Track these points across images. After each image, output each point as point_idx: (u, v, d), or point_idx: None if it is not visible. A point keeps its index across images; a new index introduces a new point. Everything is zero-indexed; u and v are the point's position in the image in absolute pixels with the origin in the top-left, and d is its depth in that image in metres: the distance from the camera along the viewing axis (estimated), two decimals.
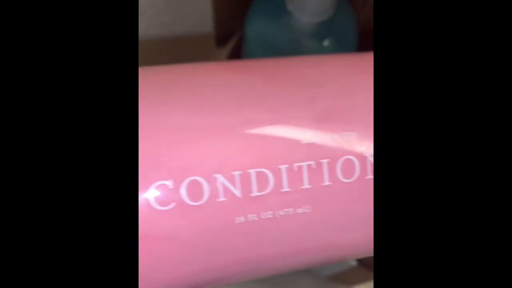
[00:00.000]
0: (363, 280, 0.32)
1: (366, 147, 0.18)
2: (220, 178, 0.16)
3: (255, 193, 0.16)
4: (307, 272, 0.34)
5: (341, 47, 0.28)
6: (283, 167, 0.17)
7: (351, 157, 0.18)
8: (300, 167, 0.17)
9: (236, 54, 0.34)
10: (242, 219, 0.17)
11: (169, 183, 0.16)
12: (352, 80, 0.20)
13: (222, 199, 0.16)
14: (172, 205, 0.16)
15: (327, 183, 0.17)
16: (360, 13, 0.31)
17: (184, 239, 0.16)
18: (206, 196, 0.16)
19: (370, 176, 0.18)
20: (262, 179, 0.17)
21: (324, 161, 0.17)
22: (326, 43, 0.27)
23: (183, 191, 0.16)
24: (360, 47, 0.29)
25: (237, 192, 0.16)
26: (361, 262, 0.29)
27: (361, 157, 0.18)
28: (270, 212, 0.17)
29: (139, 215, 0.15)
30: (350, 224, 0.19)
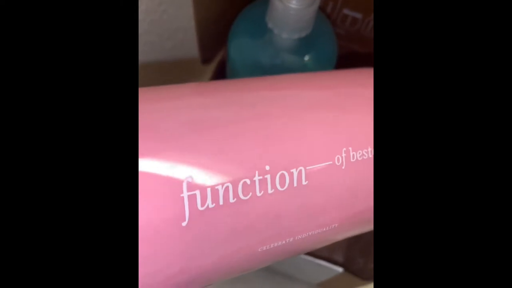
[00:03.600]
0: (350, 287, 0.33)
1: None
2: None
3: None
4: (295, 281, 0.35)
5: (321, 62, 0.29)
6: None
7: None
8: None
9: (221, 70, 0.35)
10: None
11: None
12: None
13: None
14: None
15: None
16: (339, 28, 0.32)
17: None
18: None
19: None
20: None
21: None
22: (306, 58, 0.28)
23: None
24: (340, 62, 0.30)
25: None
26: (348, 269, 0.30)
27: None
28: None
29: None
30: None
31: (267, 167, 0.17)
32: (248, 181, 0.17)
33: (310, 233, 0.19)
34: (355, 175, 0.20)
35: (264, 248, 0.18)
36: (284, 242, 0.19)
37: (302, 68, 0.28)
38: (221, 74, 0.35)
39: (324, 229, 0.20)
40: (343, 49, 0.31)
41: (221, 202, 0.17)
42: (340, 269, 0.30)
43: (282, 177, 0.18)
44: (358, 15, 0.31)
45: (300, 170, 0.18)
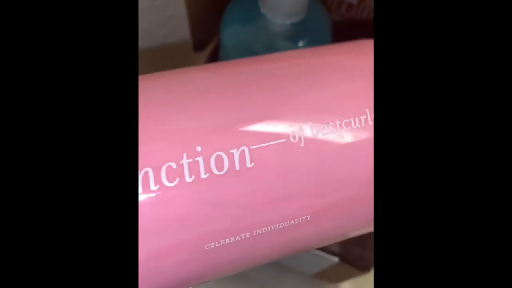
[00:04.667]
0: (346, 277, 0.32)
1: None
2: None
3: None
4: (291, 272, 0.35)
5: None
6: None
7: None
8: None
9: (214, 58, 0.34)
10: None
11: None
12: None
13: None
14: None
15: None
16: (334, 13, 0.32)
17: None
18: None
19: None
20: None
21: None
22: (300, 44, 0.27)
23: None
24: None
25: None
26: (344, 258, 0.30)
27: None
28: None
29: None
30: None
31: (198, 148, 0.15)
32: (173, 165, 0.15)
33: (273, 227, 0.17)
34: (320, 152, 0.17)
35: (212, 245, 0.16)
36: (239, 238, 0.16)
37: None
38: (214, 61, 0.35)
39: (293, 222, 0.17)
40: (338, 35, 0.30)
41: (140, 191, 0.15)
42: (336, 259, 0.29)
43: (219, 158, 0.15)
44: (354, 1, 0.31)
45: (243, 150, 0.16)
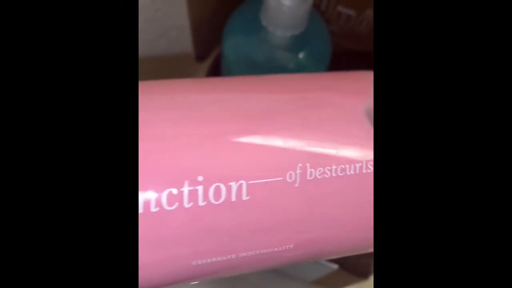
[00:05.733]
0: (345, 283, 0.33)
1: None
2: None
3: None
4: (290, 278, 0.35)
5: (315, 59, 0.29)
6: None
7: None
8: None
9: (216, 69, 0.35)
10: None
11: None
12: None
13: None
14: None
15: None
16: (333, 25, 0.32)
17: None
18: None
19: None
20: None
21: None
22: (301, 55, 0.28)
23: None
24: (334, 60, 0.30)
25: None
26: (343, 265, 0.30)
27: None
28: None
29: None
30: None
31: (200, 178, 0.16)
32: (175, 191, 0.16)
33: (258, 252, 0.18)
34: (313, 194, 0.17)
35: (200, 262, 0.17)
36: (225, 258, 0.17)
37: (296, 65, 0.28)
38: (215, 72, 0.35)
39: (277, 249, 0.18)
40: (337, 46, 0.31)
41: (141, 210, 0.16)
42: (335, 266, 0.30)
43: (217, 189, 0.16)
44: (352, 13, 0.31)
45: (241, 184, 0.16)
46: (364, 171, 0.18)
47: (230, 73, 0.29)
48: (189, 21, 0.30)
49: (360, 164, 0.18)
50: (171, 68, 0.34)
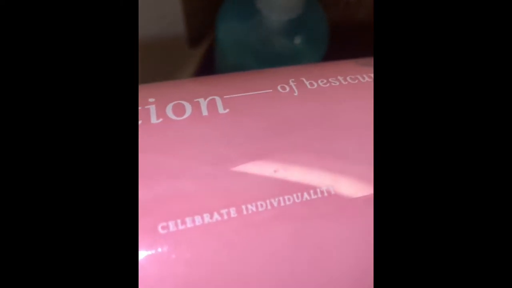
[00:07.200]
0: None
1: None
2: None
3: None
4: None
5: (311, 44, 0.28)
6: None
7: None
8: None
9: (210, 54, 0.34)
10: None
11: None
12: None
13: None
14: None
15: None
16: (331, 11, 0.32)
17: None
18: None
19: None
20: None
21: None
22: (296, 40, 0.27)
23: None
24: (332, 45, 0.29)
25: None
26: None
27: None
28: None
29: None
30: None
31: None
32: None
33: None
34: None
35: None
36: None
37: (292, 51, 0.27)
38: (209, 57, 0.34)
39: None
40: (335, 33, 0.30)
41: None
42: None
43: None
44: None
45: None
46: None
47: (224, 59, 0.29)
48: (182, 6, 0.30)
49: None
50: (164, 54, 0.34)
